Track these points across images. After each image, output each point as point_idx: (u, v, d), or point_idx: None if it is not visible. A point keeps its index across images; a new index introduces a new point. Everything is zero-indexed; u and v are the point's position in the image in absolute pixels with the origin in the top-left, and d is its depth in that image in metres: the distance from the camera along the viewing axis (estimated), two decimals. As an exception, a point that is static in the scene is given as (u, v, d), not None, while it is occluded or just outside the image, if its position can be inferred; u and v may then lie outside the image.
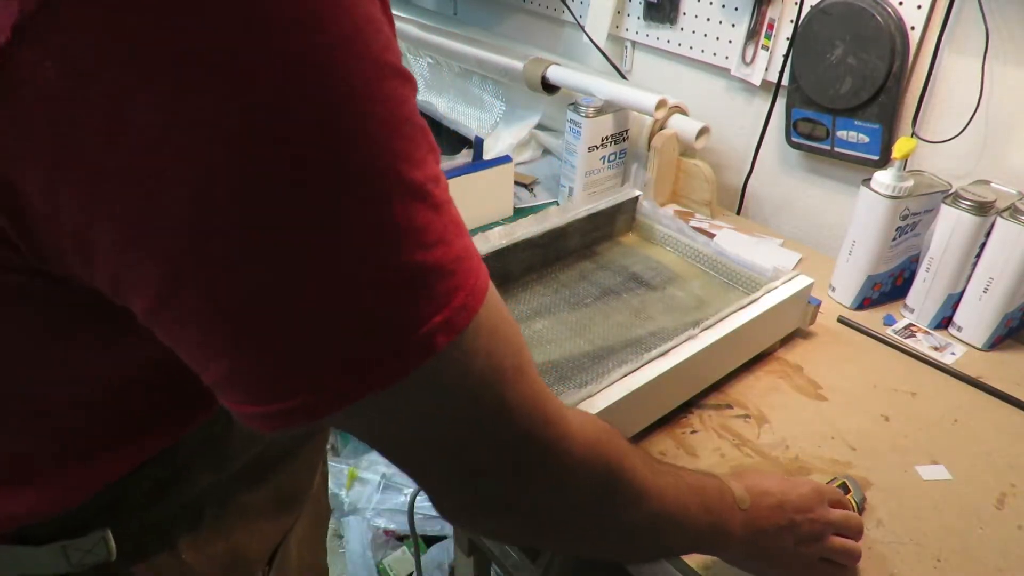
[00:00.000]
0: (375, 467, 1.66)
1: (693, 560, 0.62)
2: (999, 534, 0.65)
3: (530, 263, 0.97)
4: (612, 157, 1.15)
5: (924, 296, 0.92)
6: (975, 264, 0.87)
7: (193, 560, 0.46)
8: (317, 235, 0.28)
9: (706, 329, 0.76)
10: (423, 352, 0.31)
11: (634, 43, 1.33)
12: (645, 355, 0.72)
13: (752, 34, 1.12)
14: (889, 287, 0.97)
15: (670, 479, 0.48)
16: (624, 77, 1.34)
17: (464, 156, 1.08)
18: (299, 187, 0.27)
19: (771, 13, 1.09)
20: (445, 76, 1.44)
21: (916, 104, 0.97)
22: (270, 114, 0.26)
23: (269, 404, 0.30)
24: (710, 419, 0.77)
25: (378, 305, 0.29)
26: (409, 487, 1.62)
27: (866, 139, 1.02)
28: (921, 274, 0.92)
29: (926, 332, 0.92)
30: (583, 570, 0.99)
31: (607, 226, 1.05)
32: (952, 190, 0.88)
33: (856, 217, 0.93)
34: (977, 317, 0.88)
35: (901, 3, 0.94)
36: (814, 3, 1.01)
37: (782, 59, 1.09)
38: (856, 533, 0.60)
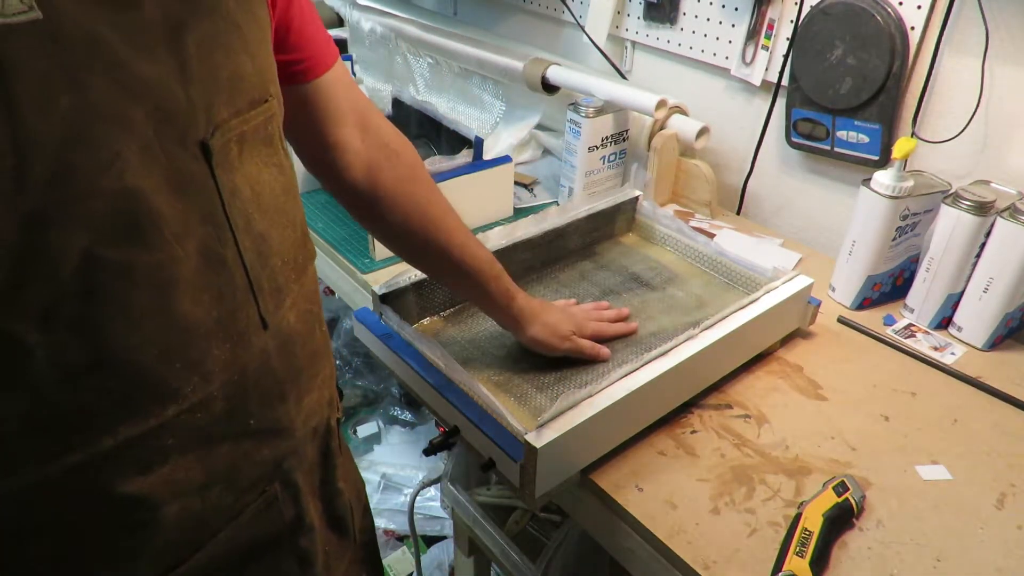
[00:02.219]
0: (375, 467, 1.67)
1: (693, 560, 0.62)
2: (999, 534, 0.65)
3: (530, 263, 0.97)
4: (612, 157, 1.15)
5: (924, 296, 0.92)
6: (975, 264, 0.87)
7: None
8: None
9: (706, 329, 0.76)
10: None
11: (634, 43, 1.33)
12: (645, 355, 0.72)
13: (752, 34, 1.12)
14: (889, 287, 0.97)
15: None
16: (624, 77, 1.34)
17: (464, 156, 1.08)
18: None
19: (771, 13, 1.09)
20: (445, 76, 1.44)
21: (916, 104, 0.97)
22: None
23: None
24: (710, 419, 0.77)
25: None
26: (409, 487, 1.62)
27: (866, 139, 1.02)
28: (921, 274, 0.92)
29: (926, 332, 0.92)
30: (582, 570, 0.99)
31: (607, 226, 1.05)
32: (952, 190, 0.88)
33: (856, 217, 0.93)
34: (977, 317, 0.88)
35: (901, 3, 0.94)
36: (814, 3, 1.01)
37: (782, 59, 1.09)
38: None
